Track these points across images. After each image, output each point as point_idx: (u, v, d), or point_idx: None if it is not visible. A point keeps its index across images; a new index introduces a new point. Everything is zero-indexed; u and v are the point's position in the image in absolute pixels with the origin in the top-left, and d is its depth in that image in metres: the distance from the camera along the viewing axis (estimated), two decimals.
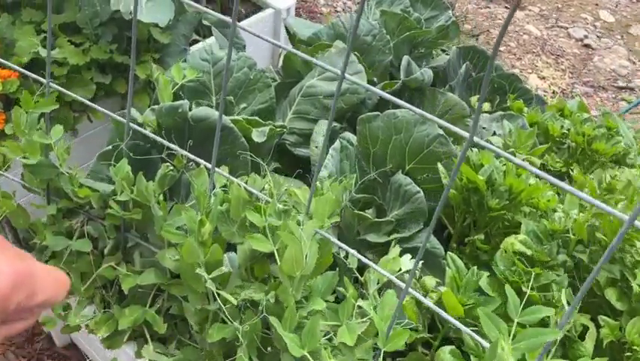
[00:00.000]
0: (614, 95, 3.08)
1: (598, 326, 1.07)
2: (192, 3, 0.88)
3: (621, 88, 3.12)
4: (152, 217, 1.03)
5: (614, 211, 0.63)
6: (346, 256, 1.00)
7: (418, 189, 1.26)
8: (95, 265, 1.12)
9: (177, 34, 1.78)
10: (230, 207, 0.92)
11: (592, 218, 1.09)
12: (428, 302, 0.81)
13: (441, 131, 1.31)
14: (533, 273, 1.05)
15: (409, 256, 0.94)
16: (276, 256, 0.86)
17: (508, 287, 0.76)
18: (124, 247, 1.13)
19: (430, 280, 1.11)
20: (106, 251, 1.12)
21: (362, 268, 1.29)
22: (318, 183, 1.20)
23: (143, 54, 1.75)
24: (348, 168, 1.34)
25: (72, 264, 1.11)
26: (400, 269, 0.93)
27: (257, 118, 1.36)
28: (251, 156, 1.16)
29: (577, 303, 0.64)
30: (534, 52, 3.35)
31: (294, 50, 0.81)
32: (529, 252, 1.11)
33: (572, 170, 1.46)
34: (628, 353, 0.99)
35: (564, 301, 0.92)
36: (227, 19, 0.81)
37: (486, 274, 1.12)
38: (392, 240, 1.27)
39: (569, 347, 1.05)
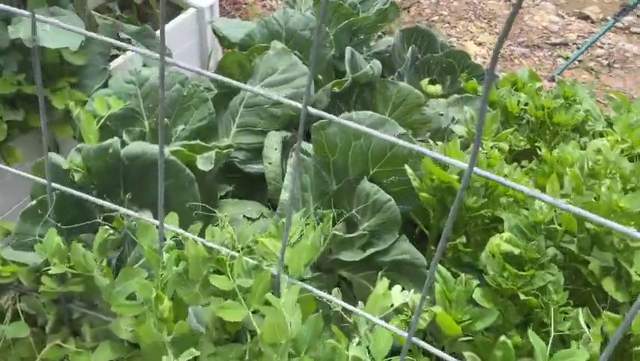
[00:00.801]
0: (550, 53, 3.08)
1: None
2: (93, 35, 0.73)
3: (555, 44, 3.13)
4: (96, 285, 0.88)
5: (608, 223, 0.54)
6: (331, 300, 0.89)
7: (389, 197, 1.16)
8: (37, 347, 0.96)
9: (92, 52, 1.59)
10: (188, 267, 0.79)
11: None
12: (438, 352, 0.71)
13: (402, 130, 1.21)
14: (528, 277, 0.98)
15: (398, 287, 0.84)
16: (251, 320, 0.73)
17: (532, 334, 0.67)
18: (69, 320, 0.97)
19: (419, 300, 1.02)
20: (47, 329, 0.96)
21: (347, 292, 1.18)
22: (281, 208, 1.07)
23: (58, 80, 1.55)
24: (308, 182, 1.22)
25: (9, 350, 0.94)
26: (392, 305, 0.83)
27: (199, 142, 1.22)
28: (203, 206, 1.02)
29: (608, 354, 0.55)
30: (467, 17, 3.30)
31: (231, 81, 0.67)
32: (517, 251, 1.03)
33: (538, 148, 1.39)
34: (637, 348, 0.93)
35: (582, 323, 0.85)
36: (148, 52, 0.67)
37: (475, 282, 1.03)
38: (368, 255, 1.17)
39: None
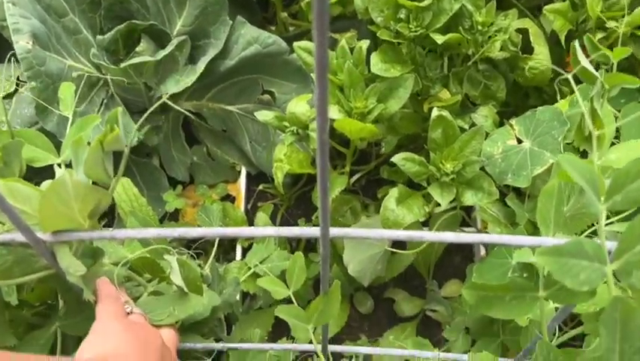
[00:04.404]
0: None
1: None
2: None
3: None
4: None
5: None
6: None
7: None
8: None
9: None
10: None
11: None
12: None
13: None
14: (433, 4, 0.64)
15: None
16: None
17: None
18: None
19: (298, 106, 0.68)
20: None
21: None
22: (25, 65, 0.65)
23: None
24: (60, 4, 0.74)
25: None
26: None
27: None
28: None
29: None
30: None
31: None
32: None
33: None
34: None
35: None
36: None
37: (364, 44, 0.69)
38: (205, 70, 0.77)
39: None
